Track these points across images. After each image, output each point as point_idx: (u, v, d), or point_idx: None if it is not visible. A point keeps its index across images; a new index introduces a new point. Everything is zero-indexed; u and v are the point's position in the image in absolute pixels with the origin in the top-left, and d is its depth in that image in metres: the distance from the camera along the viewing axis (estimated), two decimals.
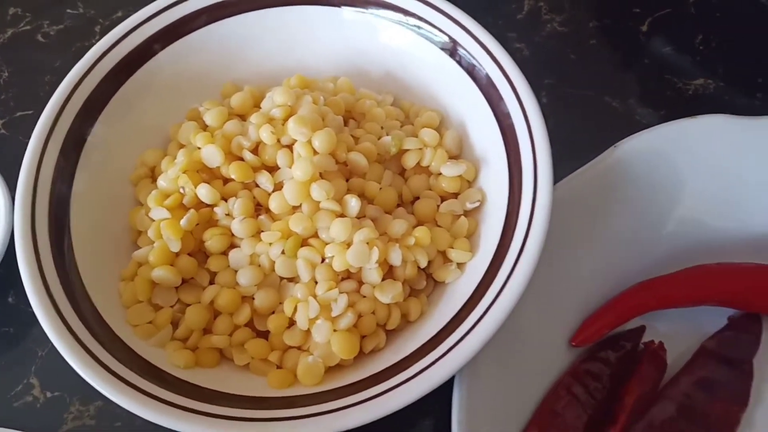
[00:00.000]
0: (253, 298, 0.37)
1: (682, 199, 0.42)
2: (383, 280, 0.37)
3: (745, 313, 0.41)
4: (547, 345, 0.40)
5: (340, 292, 0.36)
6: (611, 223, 0.41)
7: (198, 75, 0.45)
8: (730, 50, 0.53)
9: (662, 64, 0.52)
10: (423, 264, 0.38)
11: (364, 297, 0.37)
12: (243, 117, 0.42)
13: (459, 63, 0.42)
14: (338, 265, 0.36)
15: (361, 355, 0.37)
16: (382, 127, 0.42)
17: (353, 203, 0.37)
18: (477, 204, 0.40)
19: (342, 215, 0.37)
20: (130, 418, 0.39)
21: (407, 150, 0.41)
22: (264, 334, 0.38)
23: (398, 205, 0.41)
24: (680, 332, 0.42)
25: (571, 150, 0.43)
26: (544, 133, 0.38)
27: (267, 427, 0.33)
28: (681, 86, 0.51)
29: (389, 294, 0.36)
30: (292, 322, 0.37)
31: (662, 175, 0.42)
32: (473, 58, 0.41)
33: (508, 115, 0.39)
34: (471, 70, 0.41)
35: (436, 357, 0.33)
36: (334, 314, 0.36)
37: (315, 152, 0.38)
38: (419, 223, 0.39)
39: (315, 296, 0.36)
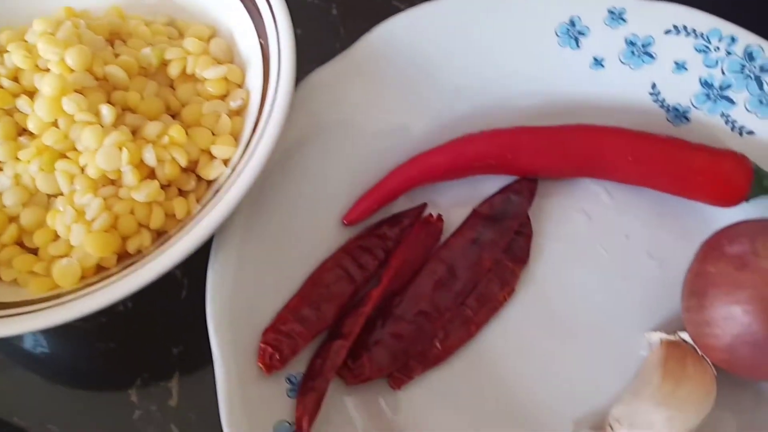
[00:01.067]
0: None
1: (442, 74, 0.43)
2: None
3: (520, 178, 0.43)
4: (323, 226, 0.41)
5: (98, 198, 0.37)
6: (376, 104, 0.42)
7: None
8: None
9: None
10: (182, 162, 0.38)
11: (123, 199, 0.38)
12: None
13: None
14: (92, 172, 0.37)
15: (129, 256, 0.38)
16: (151, 45, 0.43)
17: (105, 111, 0.38)
18: (240, 102, 0.41)
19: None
20: None
21: (172, 61, 0.42)
22: (37, 251, 0.38)
23: (172, 116, 0.42)
24: (464, 208, 0.43)
25: None
26: (289, 32, 0.39)
27: (33, 317, 0.34)
28: None
29: (143, 192, 0.37)
30: (58, 235, 0.38)
31: (421, 53, 0.43)
32: None
33: (261, 20, 0.41)
34: None
35: (181, 237, 0.35)
36: (88, 217, 0.37)
37: (71, 71, 0.39)
38: (186, 128, 0.40)
39: (73, 205, 0.37)
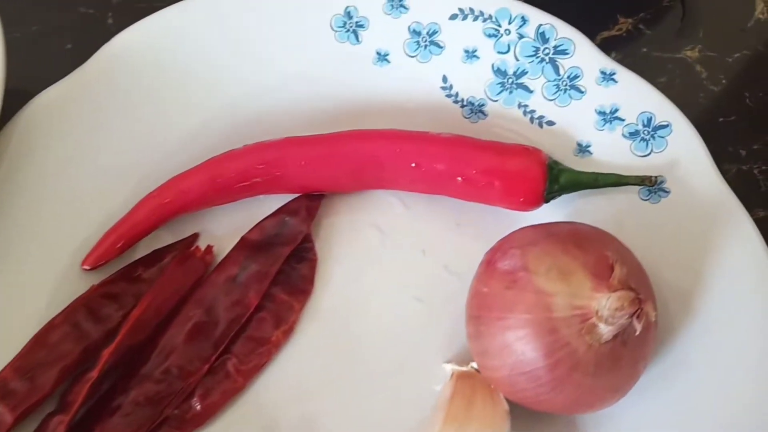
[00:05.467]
0: None
1: (209, 81, 0.38)
2: None
3: (300, 195, 0.37)
4: (63, 274, 0.35)
5: None
6: (126, 123, 0.37)
7: None
8: None
9: None
10: None
11: None
12: None
13: None
14: None
15: None
16: None
17: None
18: None
19: None
20: None
21: None
22: None
23: None
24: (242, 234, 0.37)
25: None
26: None
27: None
28: None
29: None
30: None
31: (180, 60, 0.37)
32: None
33: None
34: None
35: None
36: None
37: None
38: None
39: None
